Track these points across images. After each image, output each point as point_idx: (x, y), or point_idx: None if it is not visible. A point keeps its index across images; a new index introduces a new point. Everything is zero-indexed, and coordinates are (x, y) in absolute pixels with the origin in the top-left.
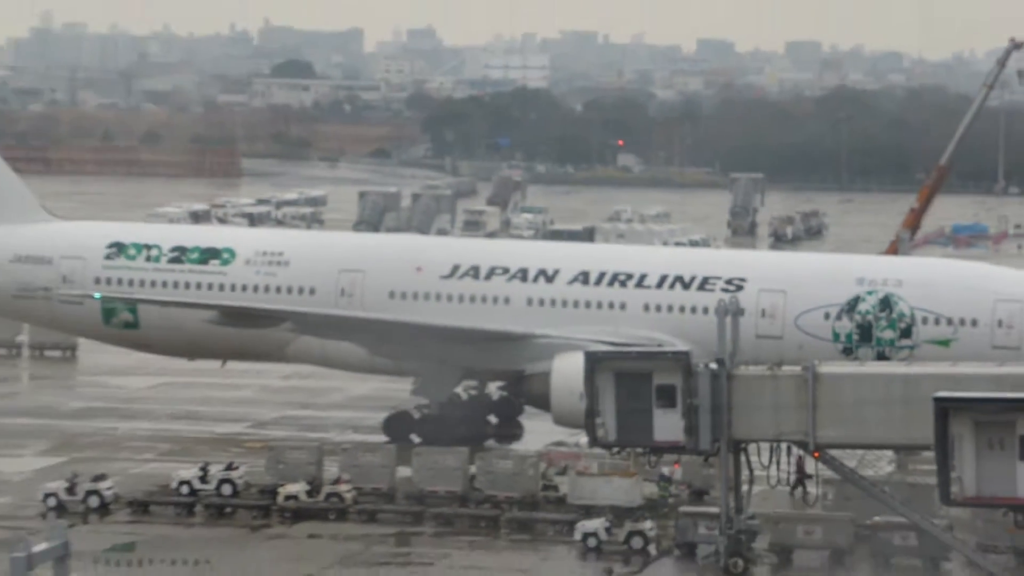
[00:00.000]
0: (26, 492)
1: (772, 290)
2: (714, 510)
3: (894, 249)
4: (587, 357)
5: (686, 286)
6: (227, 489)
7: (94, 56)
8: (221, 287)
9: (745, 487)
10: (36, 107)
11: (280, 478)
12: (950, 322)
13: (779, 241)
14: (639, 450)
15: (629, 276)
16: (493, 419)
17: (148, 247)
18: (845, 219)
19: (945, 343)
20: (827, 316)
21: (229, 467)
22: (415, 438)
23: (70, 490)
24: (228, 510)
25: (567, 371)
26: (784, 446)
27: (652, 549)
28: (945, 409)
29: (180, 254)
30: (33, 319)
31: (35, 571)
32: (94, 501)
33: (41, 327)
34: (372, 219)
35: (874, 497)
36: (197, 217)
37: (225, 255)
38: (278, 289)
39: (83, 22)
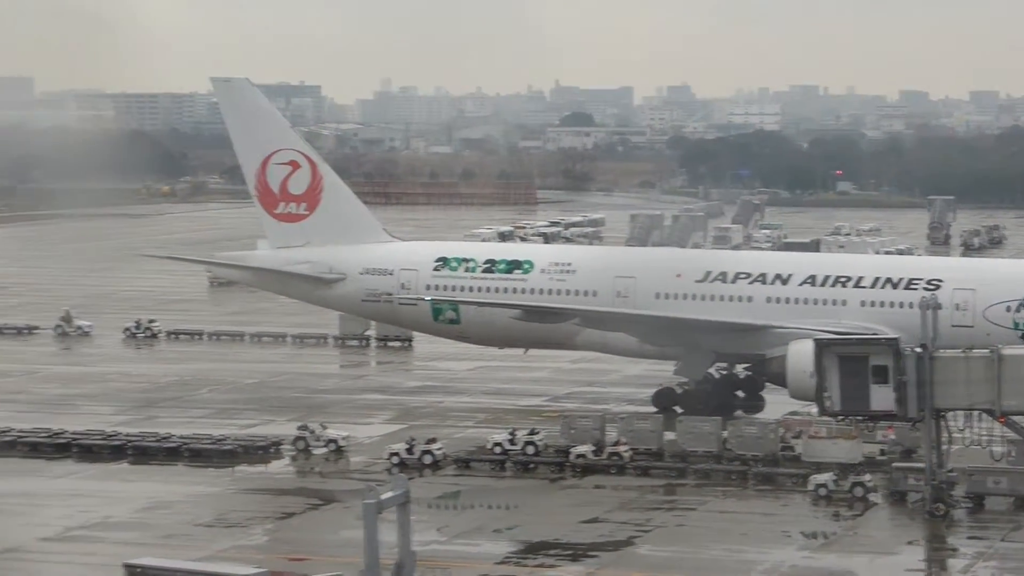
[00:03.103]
0: (375, 452)
1: (964, 288)
2: (920, 465)
3: None
4: (816, 343)
5: (895, 286)
6: (530, 449)
7: (423, 112)
8: (523, 291)
9: (945, 446)
10: (378, 153)
11: (572, 441)
12: None
13: (968, 250)
14: (859, 417)
15: (848, 278)
16: (740, 393)
17: (466, 260)
18: (1021, 231)
19: None
20: (1008, 309)
21: (532, 432)
22: (678, 409)
23: (409, 450)
24: (531, 466)
25: (800, 355)
26: (975, 413)
27: (872, 497)
28: None
29: (491, 265)
30: (378, 318)
31: (383, 514)
32: (427, 459)
33: (384, 324)
34: (641, 236)
35: None
36: (503, 236)
37: (526, 266)
38: (568, 292)
39: (414, 86)
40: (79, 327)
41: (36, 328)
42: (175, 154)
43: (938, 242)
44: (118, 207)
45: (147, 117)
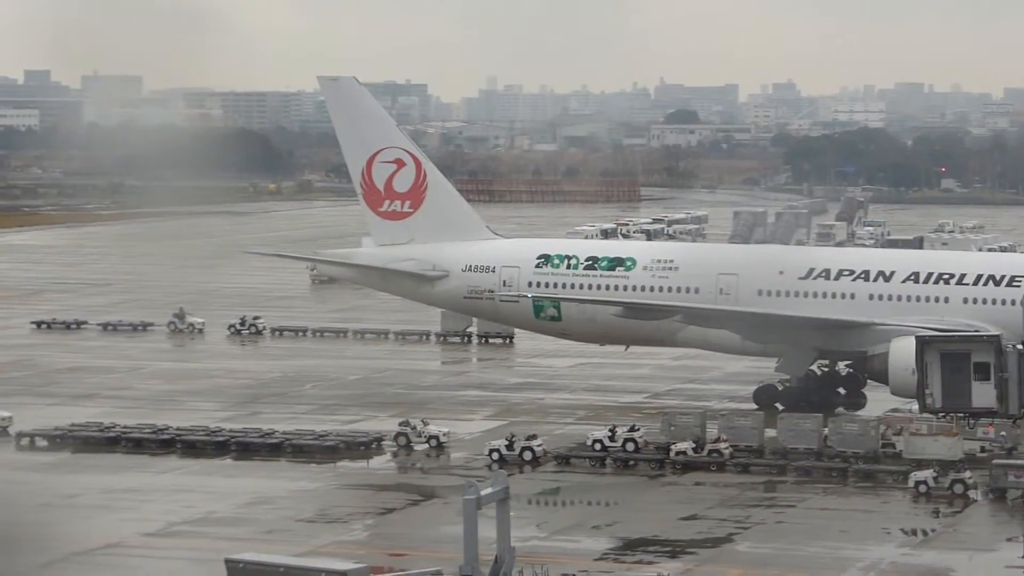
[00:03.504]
0: (476, 448)
1: None
2: (1020, 462)
3: None
4: (918, 340)
5: (997, 283)
6: (631, 446)
7: (528, 110)
8: (625, 288)
9: None
10: (483, 150)
11: (672, 437)
12: None
13: None
14: (960, 415)
15: (951, 275)
16: (842, 390)
17: (569, 257)
18: None
19: None
20: None
21: (632, 428)
22: (779, 406)
23: (509, 446)
24: (631, 463)
25: (902, 351)
26: None
27: (972, 494)
28: None
29: (593, 262)
30: (480, 314)
31: (482, 510)
32: (527, 455)
33: (486, 320)
34: (744, 233)
35: None
36: (606, 234)
37: (628, 263)
38: (670, 289)
39: (519, 84)
40: (191, 324)
41: (151, 325)
42: (282, 152)
43: None
44: (224, 205)
45: (255, 116)
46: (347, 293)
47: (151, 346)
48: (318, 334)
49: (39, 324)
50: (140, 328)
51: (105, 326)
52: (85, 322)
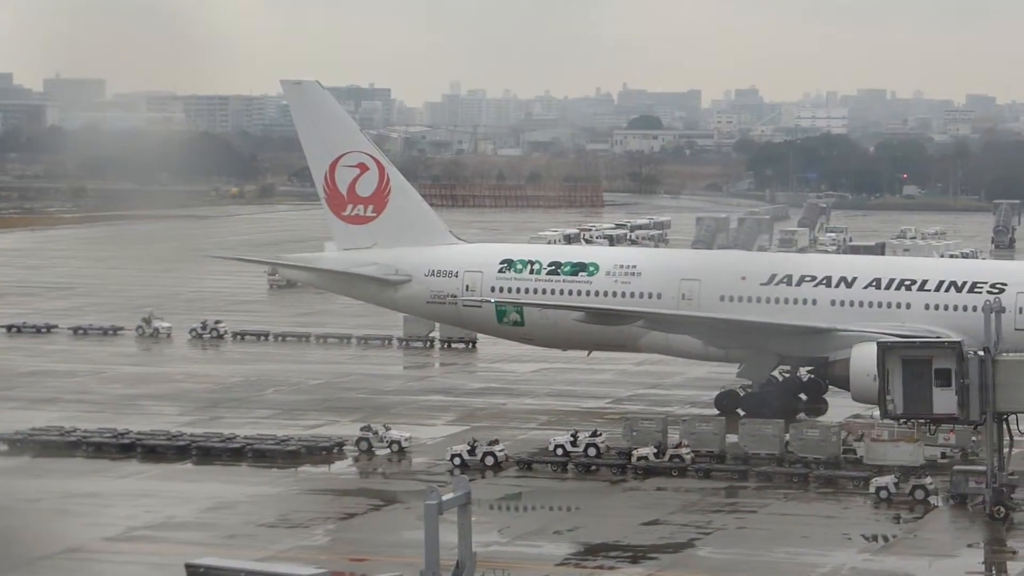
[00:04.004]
0: (437, 453)
1: None
2: (981, 468)
3: None
4: (880, 346)
5: (959, 289)
6: (592, 451)
7: (491, 115)
8: (588, 293)
9: (1006, 450)
10: (446, 155)
11: (634, 443)
12: None
13: None
14: (921, 421)
15: (913, 281)
16: (803, 396)
17: (531, 263)
18: None
19: None
20: None
21: (594, 434)
22: (740, 411)
23: (471, 451)
24: (593, 468)
25: (863, 358)
26: None
27: (933, 500)
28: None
29: (556, 267)
30: (443, 319)
31: (444, 515)
32: (489, 460)
33: (449, 325)
34: (706, 239)
35: None
36: (569, 239)
37: (591, 268)
38: (632, 294)
39: (483, 88)
40: (156, 328)
41: (121, 329)
42: (244, 156)
43: (1003, 246)
44: (187, 209)
45: (217, 119)
46: (308, 297)
47: (115, 350)
48: (280, 338)
49: (8, 328)
50: (110, 332)
51: (76, 330)
52: (55, 326)
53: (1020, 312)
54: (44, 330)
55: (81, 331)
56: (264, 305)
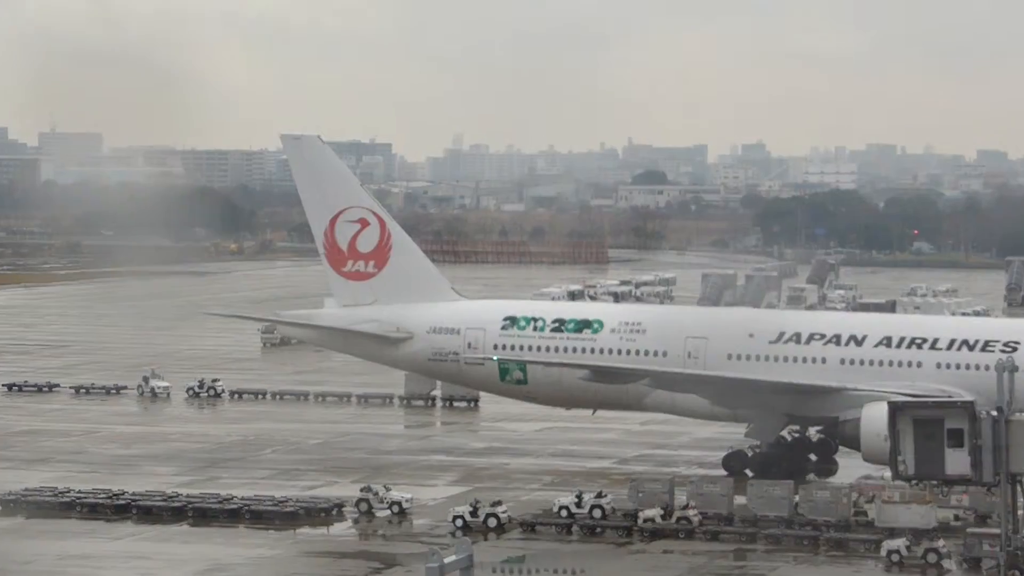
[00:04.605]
0: (439, 515)
1: None
2: (995, 531)
3: None
4: (891, 406)
5: (971, 348)
6: (597, 513)
7: (494, 170)
8: (592, 351)
9: (1021, 512)
10: (448, 210)
11: (640, 504)
12: None
13: None
14: (933, 482)
15: (924, 340)
16: (813, 457)
17: (535, 320)
18: None
19: None
20: None
21: (599, 495)
22: (749, 472)
23: (473, 513)
24: (599, 530)
25: (874, 417)
26: None
27: (945, 563)
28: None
29: (560, 325)
30: (445, 377)
31: None
32: (492, 522)
33: (451, 383)
34: (713, 296)
35: None
36: (573, 295)
37: (595, 325)
38: (638, 352)
39: (486, 144)
40: (153, 388)
41: (124, 388)
42: (244, 211)
43: (1015, 303)
44: (185, 264)
45: (216, 174)
46: (305, 355)
47: (112, 409)
48: (278, 397)
49: (9, 387)
50: (113, 391)
51: (77, 389)
52: (57, 384)
53: None
54: (46, 389)
55: (83, 390)
56: (260, 363)
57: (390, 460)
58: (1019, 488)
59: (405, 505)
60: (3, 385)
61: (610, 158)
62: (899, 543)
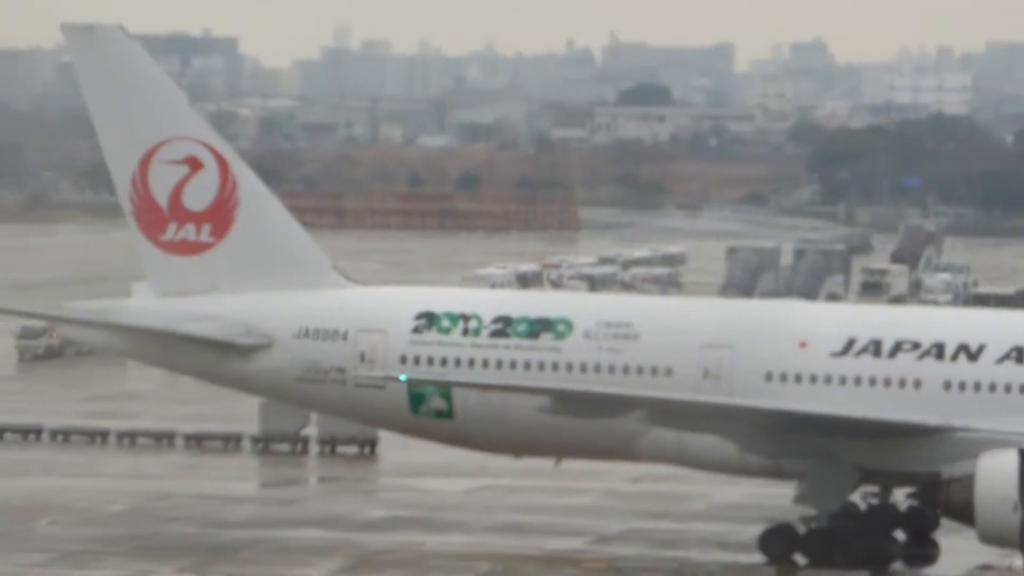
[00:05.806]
0: None
1: None
2: None
3: None
4: (1022, 456)
5: None
6: None
7: (400, 82)
8: (555, 367)
9: None
10: (329, 146)
11: None
12: None
13: None
14: None
15: None
16: (900, 535)
17: (465, 318)
18: None
19: None
20: None
21: None
22: (799, 558)
23: None
24: None
25: (997, 474)
26: None
27: None
28: None
29: (505, 326)
30: (323, 407)
31: None
32: None
33: (333, 417)
34: (743, 281)
35: None
36: (525, 280)
37: (560, 327)
38: (625, 369)
39: (386, 39)
40: None
41: None
42: (3, 145)
43: None
44: None
45: None
46: (103, 370)
47: None
48: (59, 437)
49: None
50: None
51: None
52: None
53: None
54: None
55: None
56: (20, 383)
57: (236, 537)
58: None
59: None
60: None
61: (582, 64)
62: None
